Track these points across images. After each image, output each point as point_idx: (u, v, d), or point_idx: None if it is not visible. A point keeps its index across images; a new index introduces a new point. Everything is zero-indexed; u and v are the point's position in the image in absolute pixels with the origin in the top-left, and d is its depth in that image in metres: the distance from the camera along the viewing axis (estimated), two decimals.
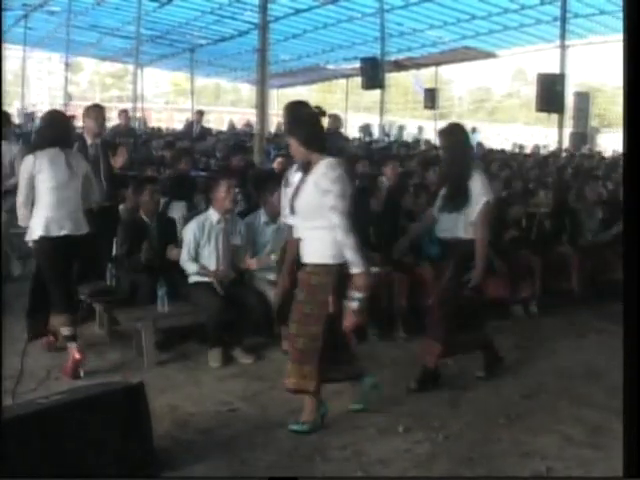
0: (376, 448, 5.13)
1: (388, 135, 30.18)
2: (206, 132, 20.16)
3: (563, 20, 20.11)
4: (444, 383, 6.37)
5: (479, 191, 5.94)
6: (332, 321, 5.17)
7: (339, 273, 5.00)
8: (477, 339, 6.49)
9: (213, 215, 6.92)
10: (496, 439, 5.36)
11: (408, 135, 34.17)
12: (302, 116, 5.49)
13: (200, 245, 6.88)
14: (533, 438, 5.40)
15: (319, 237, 5.01)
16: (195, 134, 18.97)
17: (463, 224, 6.05)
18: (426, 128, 36.06)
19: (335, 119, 13.26)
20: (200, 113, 21.39)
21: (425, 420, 5.60)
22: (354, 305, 4.98)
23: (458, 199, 6.04)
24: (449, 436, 5.35)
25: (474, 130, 29.05)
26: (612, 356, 7.36)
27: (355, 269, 4.92)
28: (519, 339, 7.68)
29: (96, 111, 7.38)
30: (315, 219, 4.99)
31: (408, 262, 8.01)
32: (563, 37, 20.13)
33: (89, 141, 7.33)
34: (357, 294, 4.95)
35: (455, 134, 6.30)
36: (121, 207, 7.99)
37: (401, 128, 31.94)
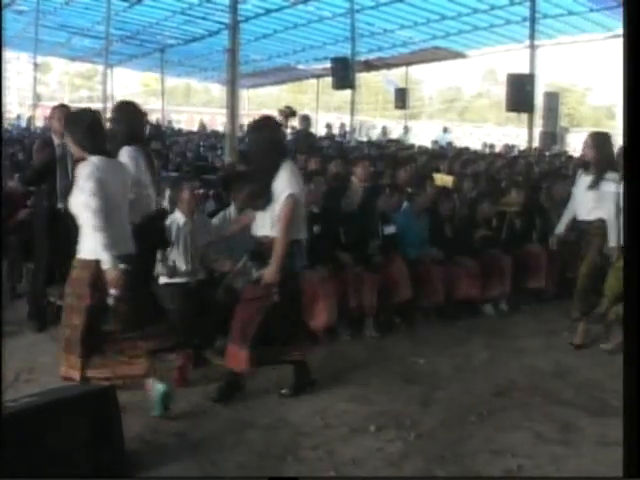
0: (348, 448, 5.13)
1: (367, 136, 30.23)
2: (157, 131, 20.14)
3: (532, 20, 20.24)
4: (415, 382, 6.38)
5: (283, 185, 5.69)
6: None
7: (96, 268, 5.05)
8: (286, 352, 6.08)
9: (179, 217, 6.89)
10: (467, 437, 5.40)
11: (379, 135, 34.18)
12: (79, 116, 5.57)
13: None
14: (504, 436, 5.45)
15: (82, 233, 5.14)
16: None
17: (270, 221, 5.80)
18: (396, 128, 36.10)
19: (304, 120, 13.26)
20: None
21: (397, 419, 5.62)
22: (109, 301, 5.11)
23: (261, 197, 5.83)
24: (421, 435, 5.38)
25: (445, 130, 29.14)
26: (582, 353, 7.46)
27: (104, 265, 5.00)
28: (490, 337, 7.71)
29: (62, 111, 7.31)
30: (79, 217, 5.12)
31: (378, 261, 8.03)
32: (532, 37, 20.26)
33: (56, 141, 7.27)
34: (112, 290, 5.05)
35: (259, 130, 6.12)
36: None
37: (407, 129, 31.87)
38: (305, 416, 5.62)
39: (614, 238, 7.27)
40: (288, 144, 10.57)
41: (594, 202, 7.42)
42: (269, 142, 5.84)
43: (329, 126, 27.32)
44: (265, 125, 6.13)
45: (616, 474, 4.90)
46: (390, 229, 8.31)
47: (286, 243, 5.67)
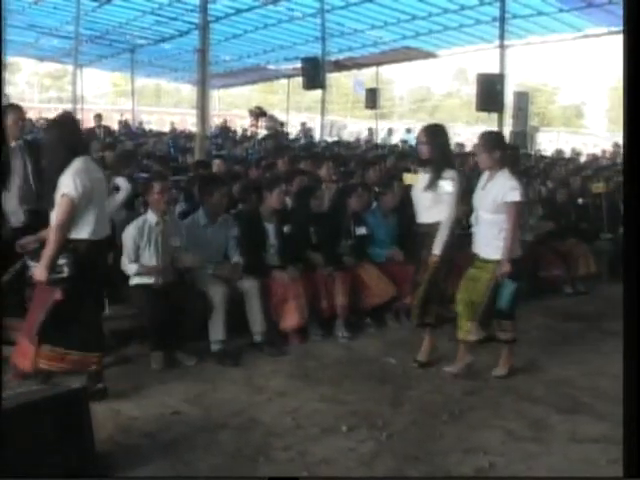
0: (320, 448, 5.14)
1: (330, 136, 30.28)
2: (128, 131, 20.20)
3: (502, 21, 20.29)
4: (387, 382, 6.39)
5: (60, 184, 5.53)
6: None
7: None
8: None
9: (151, 217, 6.86)
10: (439, 436, 5.41)
11: (350, 135, 34.29)
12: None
13: (140, 248, 6.81)
14: (475, 434, 5.48)
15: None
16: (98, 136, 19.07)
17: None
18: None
19: (272, 120, 13.27)
20: (99, 116, 22.73)
21: (368, 419, 5.63)
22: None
23: (47, 195, 5.70)
24: (392, 434, 5.39)
25: (409, 131, 29.24)
26: (552, 351, 7.51)
27: None
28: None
29: (14, 112, 7.17)
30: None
31: (349, 262, 8.05)
32: (502, 37, 20.32)
33: (12, 144, 7.11)
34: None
35: (51, 127, 6.12)
36: None
37: (390, 131, 31.94)
38: (276, 417, 5.62)
39: (439, 245, 6.68)
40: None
41: (432, 203, 6.76)
42: (59, 139, 5.71)
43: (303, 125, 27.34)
44: (57, 122, 6.09)
45: (587, 470, 4.95)
46: (362, 230, 8.34)
47: (56, 242, 5.50)
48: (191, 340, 6.92)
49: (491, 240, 6.47)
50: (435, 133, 6.88)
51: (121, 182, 7.65)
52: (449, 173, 6.67)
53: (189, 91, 51.98)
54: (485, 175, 6.71)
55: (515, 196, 6.36)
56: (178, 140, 22.43)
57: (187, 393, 6.06)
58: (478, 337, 6.71)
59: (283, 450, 5.08)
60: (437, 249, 6.64)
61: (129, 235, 6.82)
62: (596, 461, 5.06)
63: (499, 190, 6.43)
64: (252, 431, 5.37)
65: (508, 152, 7.33)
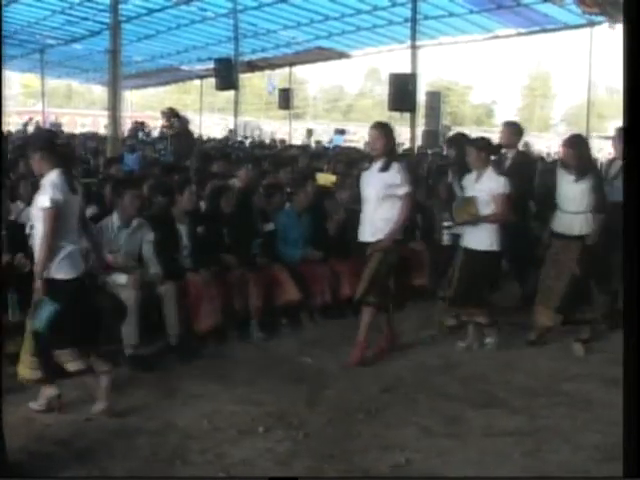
0: (237, 449, 5.12)
1: (246, 137, 30.24)
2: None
3: (414, 21, 20.51)
4: (303, 381, 6.41)
5: None
6: None
7: None
8: None
9: None
10: (356, 434, 5.44)
11: (265, 135, 34.31)
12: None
13: None
14: (392, 431, 5.52)
15: None
16: None
17: None
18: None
19: (182, 120, 13.21)
20: None
21: (285, 419, 5.63)
22: None
23: None
24: (309, 434, 5.40)
25: (342, 132, 29.39)
26: (466, 348, 7.61)
27: None
28: (375, 334, 7.77)
29: None
30: None
31: (262, 262, 8.05)
32: (414, 38, 20.53)
33: None
34: None
35: None
36: None
37: (310, 132, 31.97)
38: (192, 420, 5.57)
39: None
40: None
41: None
42: None
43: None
44: None
45: (503, 463, 5.03)
46: (269, 226, 8.37)
47: None
48: (105, 345, 6.82)
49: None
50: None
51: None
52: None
53: (101, 92, 51.31)
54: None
55: None
56: (90, 142, 22.14)
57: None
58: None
59: (200, 453, 5.05)
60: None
61: None
62: (510, 454, 5.15)
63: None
64: (168, 435, 5.32)
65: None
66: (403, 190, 6.91)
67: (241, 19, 24.85)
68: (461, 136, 9.33)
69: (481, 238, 7.36)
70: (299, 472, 4.85)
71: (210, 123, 42.24)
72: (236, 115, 26.94)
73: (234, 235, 7.97)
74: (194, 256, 7.66)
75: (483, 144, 7.55)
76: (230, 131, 29.12)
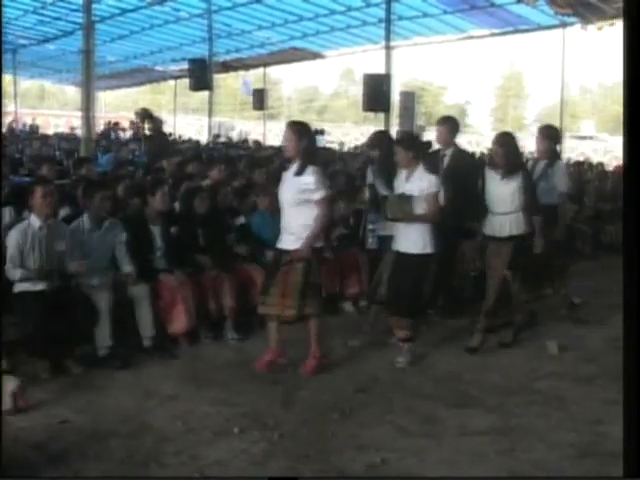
0: (212, 451, 5.10)
1: (219, 136, 30.16)
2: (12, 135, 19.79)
3: (388, 22, 20.59)
4: (278, 382, 6.39)
5: None
6: None
7: None
8: None
9: (35, 222, 6.69)
10: (331, 434, 5.43)
11: (238, 135, 34.30)
12: None
13: (24, 253, 6.64)
14: (367, 431, 5.51)
15: None
16: None
17: None
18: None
19: (155, 120, 13.17)
20: None
21: (260, 420, 5.61)
22: None
23: None
24: (284, 434, 5.38)
25: (322, 132, 29.44)
26: (439, 346, 7.64)
27: None
28: (350, 335, 7.78)
29: None
30: None
31: (236, 263, 8.04)
32: (388, 38, 20.60)
33: None
34: None
35: None
36: None
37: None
38: (167, 421, 5.54)
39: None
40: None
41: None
42: None
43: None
44: None
45: (478, 462, 5.04)
46: (240, 220, 8.37)
47: None
48: (78, 347, 6.79)
49: None
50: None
51: None
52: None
53: (74, 93, 51.04)
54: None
55: None
56: (63, 143, 22.03)
57: (76, 401, 5.92)
58: None
59: (175, 455, 5.02)
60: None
61: (13, 239, 6.65)
62: (485, 453, 5.16)
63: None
64: (143, 437, 5.29)
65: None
66: (319, 195, 6.52)
67: (215, 19, 24.84)
68: (383, 134, 8.93)
69: (414, 240, 7.01)
70: (274, 473, 4.84)
71: (184, 124, 42.12)
72: (210, 115, 26.89)
73: (208, 236, 7.95)
74: (168, 257, 7.64)
75: (411, 142, 7.31)
76: (216, 136, 29.03)
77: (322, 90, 79.79)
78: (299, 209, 6.57)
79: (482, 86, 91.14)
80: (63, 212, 7.91)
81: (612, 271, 8.42)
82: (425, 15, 23.23)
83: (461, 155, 8.64)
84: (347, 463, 4.99)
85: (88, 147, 13.71)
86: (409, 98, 21.29)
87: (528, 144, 39.21)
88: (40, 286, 6.61)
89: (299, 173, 6.55)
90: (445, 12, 22.72)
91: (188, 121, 44.63)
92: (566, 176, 8.72)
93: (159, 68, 36.46)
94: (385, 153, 7.71)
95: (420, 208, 6.93)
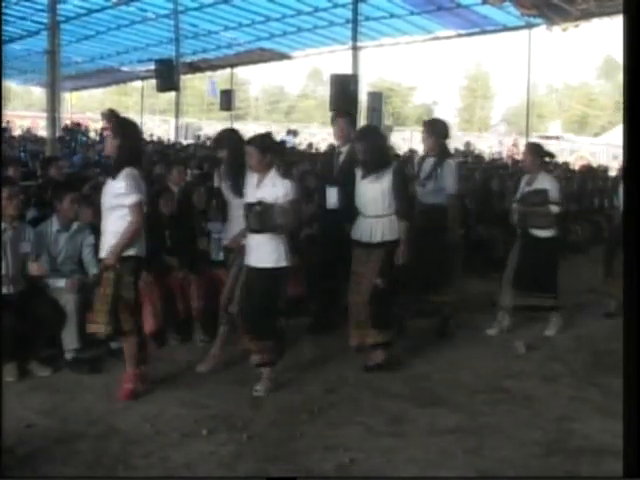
0: (180, 453, 5.08)
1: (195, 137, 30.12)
2: None
3: (355, 22, 20.63)
4: (246, 384, 6.38)
5: None
6: None
7: None
8: None
9: None
10: (300, 435, 5.43)
11: (205, 137, 34.21)
12: None
13: None
14: (336, 431, 5.52)
15: None
16: None
17: None
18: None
19: None
20: None
21: (228, 421, 5.61)
22: None
23: None
24: (253, 436, 5.37)
25: (295, 133, 29.41)
26: (409, 347, 7.66)
27: None
28: (319, 335, 7.79)
29: None
30: None
31: (203, 264, 8.01)
32: (355, 39, 20.64)
33: None
34: None
35: None
36: None
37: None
38: (135, 424, 5.52)
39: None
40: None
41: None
42: None
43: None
44: None
45: (446, 461, 5.07)
46: (216, 226, 8.33)
47: None
48: (45, 350, 6.75)
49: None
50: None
51: None
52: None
53: (40, 94, 50.68)
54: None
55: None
56: (29, 144, 21.85)
57: (43, 404, 5.89)
58: None
59: (143, 457, 5.00)
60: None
61: None
62: (453, 451, 5.19)
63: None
64: (111, 440, 5.26)
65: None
66: (130, 200, 5.86)
67: (182, 20, 24.78)
68: (232, 133, 7.55)
69: (268, 252, 6.23)
70: (242, 474, 4.84)
71: (152, 125, 41.95)
72: (177, 116, 26.82)
73: (175, 237, 7.92)
74: None
75: (263, 142, 6.38)
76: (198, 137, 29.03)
77: (289, 91, 79.83)
78: (112, 215, 5.97)
79: (449, 86, 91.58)
80: (30, 214, 7.88)
81: (578, 270, 8.53)
82: (392, 16, 23.33)
83: (348, 151, 7.81)
84: (316, 463, 5.00)
85: (53, 148, 13.63)
86: (376, 98, 21.33)
87: (495, 144, 39.27)
88: (5, 289, 6.56)
89: (114, 177, 5.98)
90: (412, 13, 22.82)
91: (155, 122, 44.44)
92: (455, 176, 7.89)
93: (125, 69, 36.32)
94: (233, 154, 6.85)
95: (280, 218, 6.14)
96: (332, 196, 7.64)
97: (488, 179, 13.88)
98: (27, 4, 23.67)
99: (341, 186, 7.47)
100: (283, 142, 7.86)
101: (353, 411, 5.93)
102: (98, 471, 4.81)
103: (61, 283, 6.84)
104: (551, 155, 8.57)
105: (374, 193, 6.80)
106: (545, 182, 8.18)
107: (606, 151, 38.14)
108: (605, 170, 21.27)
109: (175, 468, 4.87)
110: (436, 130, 8.00)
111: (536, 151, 8.35)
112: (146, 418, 5.63)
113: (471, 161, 22.29)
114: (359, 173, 6.96)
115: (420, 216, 7.75)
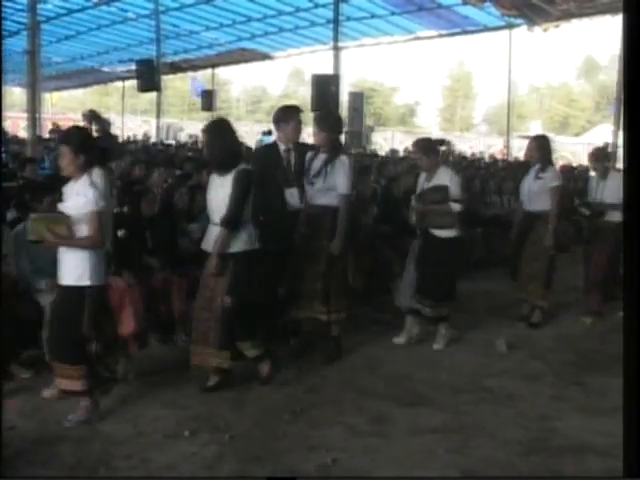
0: (163, 454, 5.08)
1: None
2: None
3: (336, 22, 20.62)
4: (228, 383, 6.37)
5: None
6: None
7: None
8: None
9: None
10: (282, 435, 5.44)
11: (186, 137, 34.24)
12: None
13: None
14: (318, 431, 5.53)
15: None
16: None
17: None
18: None
19: (102, 122, 13.07)
20: None
21: (210, 422, 5.61)
22: None
23: None
24: (235, 436, 5.38)
25: (269, 133, 29.44)
26: (390, 346, 7.67)
27: None
28: (309, 335, 7.77)
29: None
30: None
31: (185, 265, 8.00)
32: (336, 39, 20.64)
33: None
34: None
35: None
36: None
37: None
38: (116, 425, 5.52)
39: None
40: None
41: None
42: None
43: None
44: None
45: (428, 460, 5.08)
46: (194, 226, 8.30)
47: None
48: (26, 351, 6.71)
49: None
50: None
51: None
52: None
53: (20, 94, 50.41)
54: None
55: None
56: (9, 145, 21.72)
57: (23, 406, 5.86)
58: None
59: (125, 459, 4.99)
60: None
61: None
62: (435, 451, 5.21)
63: None
64: (92, 441, 5.25)
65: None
66: (87, 208, 5.34)
67: (163, 20, 24.69)
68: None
69: (70, 269, 5.51)
70: (225, 474, 4.85)
71: (133, 125, 41.82)
72: (158, 117, 26.75)
73: (157, 238, 7.90)
74: (116, 259, 7.57)
75: (79, 141, 5.48)
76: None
77: (271, 91, 79.80)
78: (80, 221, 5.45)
79: (431, 86, 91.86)
80: (10, 215, 7.84)
81: (557, 270, 8.55)
82: (373, 16, 23.37)
83: (299, 150, 7.46)
84: (298, 463, 5.00)
85: (34, 149, 13.54)
86: (358, 99, 21.36)
87: (476, 144, 39.36)
88: None
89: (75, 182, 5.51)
90: (393, 13, 22.87)
91: (136, 123, 44.30)
92: (348, 174, 7.04)
93: (106, 69, 36.22)
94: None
95: (80, 230, 5.42)
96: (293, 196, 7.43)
97: (470, 179, 13.89)
98: (7, 4, 23.52)
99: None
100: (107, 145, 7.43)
101: (335, 411, 5.93)
102: (80, 473, 4.80)
103: (41, 284, 6.82)
104: (444, 142, 8.16)
105: (218, 198, 6.19)
106: (445, 178, 7.65)
107: (587, 150, 38.33)
108: (586, 170, 21.35)
109: (157, 469, 4.87)
110: (328, 124, 7.20)
111: (428, 147, 7.76)
112: (128, 419, 5.63)
113: (452, 161, 22.33)
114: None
115: (306, 219, 7.25)
